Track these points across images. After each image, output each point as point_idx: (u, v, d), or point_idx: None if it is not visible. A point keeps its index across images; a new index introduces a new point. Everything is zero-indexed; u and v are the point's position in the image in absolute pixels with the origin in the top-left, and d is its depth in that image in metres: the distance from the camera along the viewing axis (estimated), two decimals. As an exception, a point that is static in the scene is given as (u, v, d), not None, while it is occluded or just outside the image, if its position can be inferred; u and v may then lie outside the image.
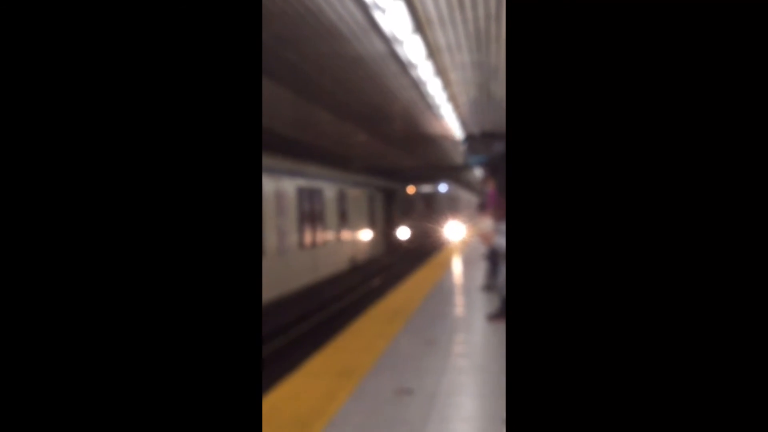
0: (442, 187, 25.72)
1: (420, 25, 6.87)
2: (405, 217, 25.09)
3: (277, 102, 9.58)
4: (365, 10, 6.36)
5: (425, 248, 23.50)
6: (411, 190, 25.43)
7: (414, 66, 8.51)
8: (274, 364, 9.15)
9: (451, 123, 13.83)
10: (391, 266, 21.48)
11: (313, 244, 16.16)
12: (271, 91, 8.79)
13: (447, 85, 10.09)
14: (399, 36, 7.06)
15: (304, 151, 14.74)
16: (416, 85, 9.82)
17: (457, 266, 11.99)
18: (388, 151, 18.09)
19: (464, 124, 14.33)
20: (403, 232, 24.94)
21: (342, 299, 14.86)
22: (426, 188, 25.57)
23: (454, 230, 24.49)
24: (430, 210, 25.04)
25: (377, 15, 6.43)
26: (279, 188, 13.95)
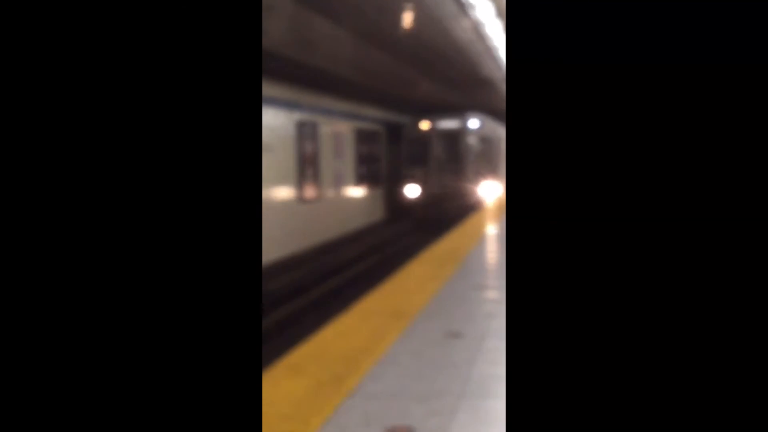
0: (473, 123, 16.80)
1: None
2: (414, 168, 16.74)
3: (335, 42, 9.46)
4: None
5: (448, 213, 16.01)
6: (425, 125, 16.73)
7: (472, 6, 8.24)
8: (330, 304, 9.35)
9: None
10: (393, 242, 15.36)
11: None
12: (330, 31, 8.68)
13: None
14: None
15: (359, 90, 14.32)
16: (475, 28, 9.52)
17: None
18: (442, 93, 16.86)
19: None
20: (411, 190, 16.63)
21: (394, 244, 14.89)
22: (447, 123, 16.82)
23: (489, 188, 17.04)
24: (454, 157, 16.70)
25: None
26: (336, 130, 13.94)
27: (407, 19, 7.49)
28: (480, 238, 8.91)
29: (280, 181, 11.51)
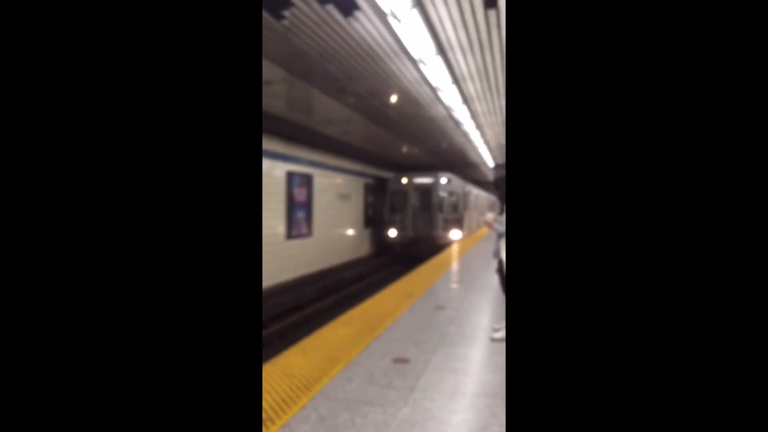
0: (443, 180, 14.31)
1: (456, 79, 6.65)
2: (395, 214, 14.24)
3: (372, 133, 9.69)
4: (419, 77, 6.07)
5: (420, 252, 13.29)
6: (405, 180, 14.39)
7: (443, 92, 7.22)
8: (374, 288, 9.95)
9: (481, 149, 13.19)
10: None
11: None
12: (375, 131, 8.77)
13: (475, 115, 9.08)
14: (440, 85, 6.66)
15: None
16: (447, 110, 8.45)
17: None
18: (420, 155, 13.96)
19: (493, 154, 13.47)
20: (392, 232, 14.23)
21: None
22: (422, 179, 14.40)
23: (454, 233, 14.06)
24: (427, 207, 14.10)
25: (421, 67, 5.82)
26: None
27: (394, 100, 7.22)
28: (457, 261, 9.36)
29: (356, 215, 13.45)
